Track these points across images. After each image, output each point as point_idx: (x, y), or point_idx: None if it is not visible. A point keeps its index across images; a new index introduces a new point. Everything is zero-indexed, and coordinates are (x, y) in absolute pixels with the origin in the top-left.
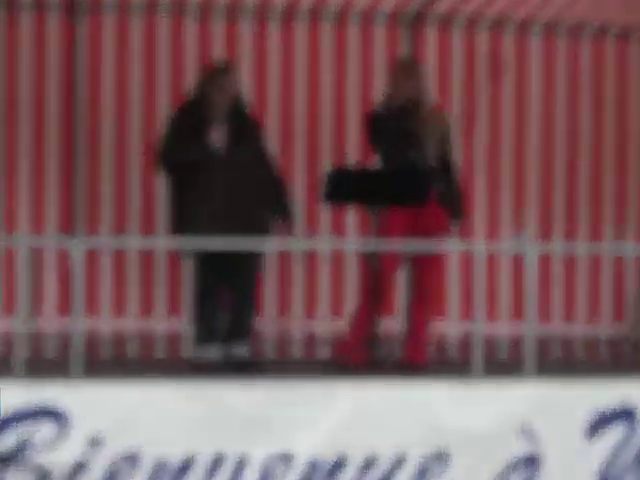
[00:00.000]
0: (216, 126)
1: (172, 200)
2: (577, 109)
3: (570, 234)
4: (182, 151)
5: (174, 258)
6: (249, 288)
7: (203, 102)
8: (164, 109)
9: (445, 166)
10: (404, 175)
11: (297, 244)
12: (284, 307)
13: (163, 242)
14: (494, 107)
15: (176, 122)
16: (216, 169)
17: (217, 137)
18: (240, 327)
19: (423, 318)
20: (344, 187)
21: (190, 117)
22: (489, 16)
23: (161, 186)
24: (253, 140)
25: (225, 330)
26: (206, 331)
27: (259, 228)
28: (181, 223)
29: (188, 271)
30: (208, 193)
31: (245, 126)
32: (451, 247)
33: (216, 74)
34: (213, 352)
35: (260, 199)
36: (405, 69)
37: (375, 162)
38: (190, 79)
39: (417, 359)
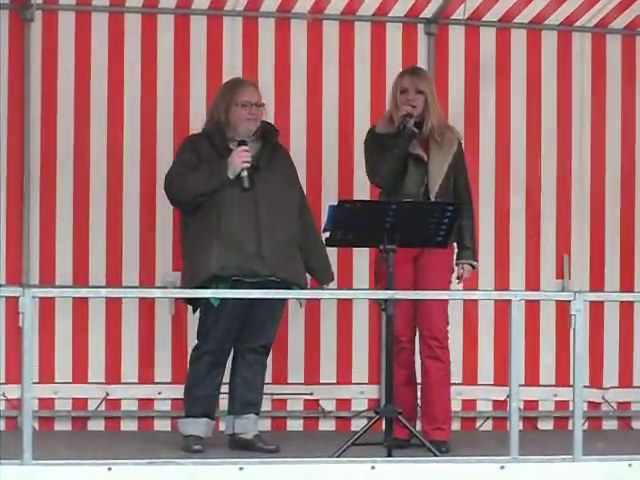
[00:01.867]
0: (241, 152)
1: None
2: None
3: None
4: (202, 182)
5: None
6: (268, 350)
7: (221, 122)
8: (135, 130)
9: (458, 197)
10: (423, 209)
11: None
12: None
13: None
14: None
15: (195, 148)
16: (244, 204)
17: (246, 174)
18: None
19: (435, 381)
20: (349, 222)
21: (210, 141)
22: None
23: (130, 227)
24: (288, 175)
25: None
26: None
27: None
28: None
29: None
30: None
31: (277, 156)
32: (482, 296)
33: (232, 87)
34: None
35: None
36: (409, 79)
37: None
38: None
39: (434, 435)
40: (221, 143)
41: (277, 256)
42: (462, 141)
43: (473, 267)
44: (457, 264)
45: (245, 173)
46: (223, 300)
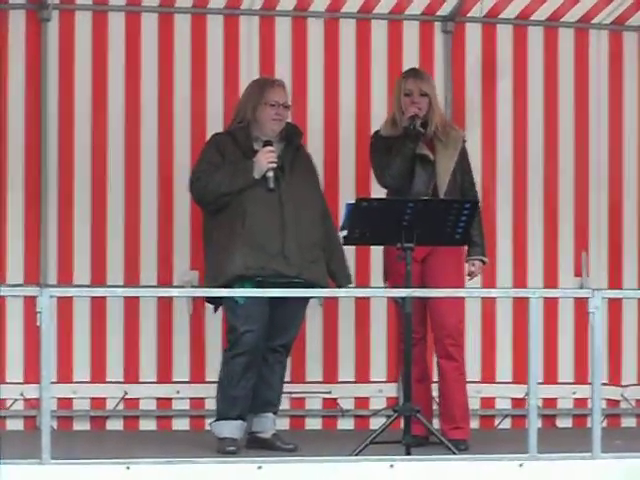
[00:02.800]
0: (267, 152)
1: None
2: None
3: None
4: (227, 181)
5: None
6: (288, 350)
7: (248, 121)
8: (153, 130)
9: (464, 194)
10: (440, 207)
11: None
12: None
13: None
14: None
15: (219, 147)
16: (269, 204)
17: (272, 175)
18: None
19: (450, 380)
20: (366, 220)
21: (235, 141)
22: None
23: (148, 226)
24: (311, 178)
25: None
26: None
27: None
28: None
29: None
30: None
31: (299, 157)
32: (500, 294)
33: (262, 86)
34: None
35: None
36: (413, 82)
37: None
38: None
39: (452, 434)
40: (245, 143)
41: (301, 257)
42: (465, 138)
43: (483, 263)
44: (467, 261)
45: (271, 174)
46: (249, 299)
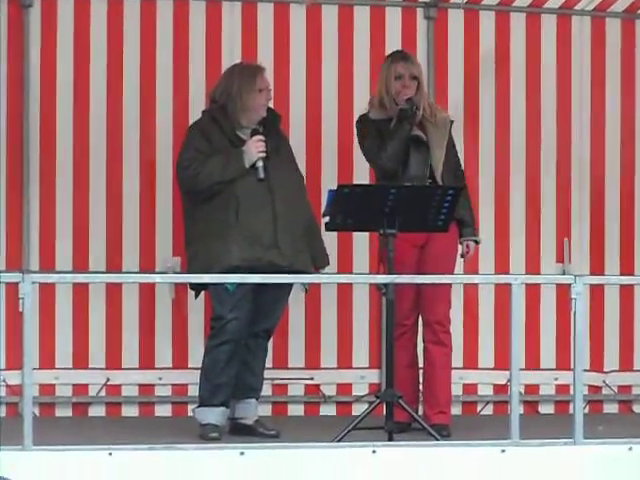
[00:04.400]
0: (257, 141)
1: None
2: None
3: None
4: (219, 170)
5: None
6: (270, 334)
7: (236, 108)
8: (135, 116)
9: (455, 178)
10: (423, 193)
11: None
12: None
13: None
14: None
15: (205, 134)
16: (260, 194)
17: (262, 164)
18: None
19: (439, 365)
20: (349, 206)
21: (220, 128)
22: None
23: (130, 212)
24: (292, 161)
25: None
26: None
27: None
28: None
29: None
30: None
31: (282, 142)
32: (482, 280)
33: (253, 73)
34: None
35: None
36: (404, 66)
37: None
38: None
39: (436, 419)
40: (231, 130)
41: (292, 247)
42: (452, 120)
43: (476, 242)
44: (461, 242)
45: (261, 163)
46: (239, 286)
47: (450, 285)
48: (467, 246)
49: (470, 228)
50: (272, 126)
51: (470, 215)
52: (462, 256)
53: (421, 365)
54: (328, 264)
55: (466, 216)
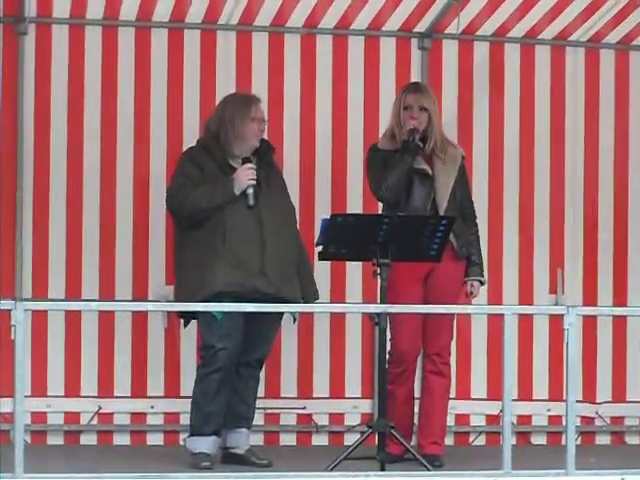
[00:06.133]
0: (247, 169)
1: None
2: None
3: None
4: (207, 197)
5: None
6: (262, 364)
7: (228, 137)
8: (129, 144)
9: (463, 212)
10: (416, 222)
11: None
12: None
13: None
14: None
15: (196, 161)
16: (249, 221)
17: (252, 192)
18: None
19: (437, 396)
20: (342, 235)
21: (212, 156)
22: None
23: (124, 240)
24: (284, 192)
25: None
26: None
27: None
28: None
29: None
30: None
31: (273, 172)
32: (475, 310)
33: (247, 102)
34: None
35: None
36: (413, 97)
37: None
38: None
39: (430, 449)
40: (222, 159)
41: (280, 275)
42: (464, 155)
43: (482, 283)
44: (466, 281)
45: (251, 190)
46: (227, 315)
47: (452, 317)
48: (472, 285)
49: (477, 268)
50: (265, 157)
51: (478, 255)
52: (466, 296)
53: (417, 395)
54: (317, 298)
55: (474, 255)
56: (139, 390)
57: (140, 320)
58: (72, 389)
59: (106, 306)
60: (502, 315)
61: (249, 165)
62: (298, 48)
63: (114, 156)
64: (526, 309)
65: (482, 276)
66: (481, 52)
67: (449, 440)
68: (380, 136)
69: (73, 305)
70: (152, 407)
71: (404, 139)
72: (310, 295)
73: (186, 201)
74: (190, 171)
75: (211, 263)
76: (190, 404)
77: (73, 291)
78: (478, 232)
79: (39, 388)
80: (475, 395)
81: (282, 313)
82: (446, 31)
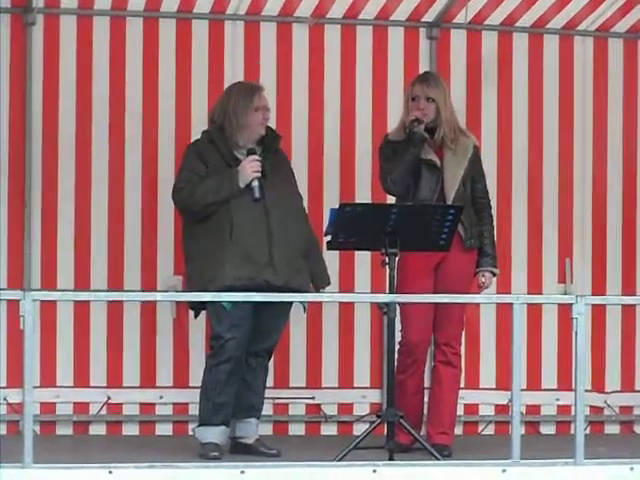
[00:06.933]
0: (252, 161)
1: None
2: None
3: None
4: (213, 191)
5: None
6: (270, 353)
7: (232, 127)
8: (137, 135)
9: (475, 203)
10: (424, 212)
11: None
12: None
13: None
14: None
15: (201, 155)
16: (255, 214)
17: (257, 184)
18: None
19: (446, 386)
20: (351, 226)
21: (217, 148)
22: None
23: (132, 230)
24: (291, 181)
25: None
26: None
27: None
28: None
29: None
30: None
31: (280, 162)
32: (483, 300)
33: (250, 91)
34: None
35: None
36: (419, 87)
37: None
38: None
39: (439, 439)
40: (227, 151)
41: (288, 267)
42: (477, 145)
43: (494, 274)
44: (478, 271)
45: (256, 183)
46: (235, 305)
47: (463, 308)
48: (484, 276)
49: (489, 258)
50: (271, 146)
51: (491, 245)
52: (479, 287)
53: (427, 385)
54: (329, 284)
55: (487, 246)
56: (148, 380)
57: (149, 310)
58: (81, 379)
59: (115, 296)
60: (511, 305)
61: (253, 157)
62: (306, 38)
63: (122, 146)
64: (535, 298)
65: (494, 267)
66: (489, 42)
67: (458, 429)
68: (390, 126)
69: (82, 295)
70: (161, 397)
71: (409, 129)
72: (322, 282)
73: (193, 197)
74: (195, 166)
75: (220, 257)
76: (199, 394)
77: (82, 282)
78: (493, 223)
79: (48, 378)
80: (484, 385)
81: (291, 303)
82: (454, 21)
